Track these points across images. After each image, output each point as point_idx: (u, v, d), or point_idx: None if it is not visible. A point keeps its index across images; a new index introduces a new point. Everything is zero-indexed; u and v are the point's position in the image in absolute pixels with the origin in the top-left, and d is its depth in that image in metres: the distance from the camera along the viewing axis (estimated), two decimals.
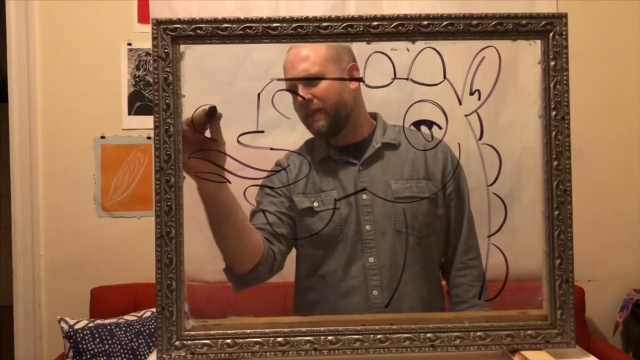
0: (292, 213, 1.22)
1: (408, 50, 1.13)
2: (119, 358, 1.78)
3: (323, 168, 1.22)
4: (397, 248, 1.18)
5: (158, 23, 0.99)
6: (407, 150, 1.22)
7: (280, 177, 1.23)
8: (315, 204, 1.20)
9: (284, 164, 1.24)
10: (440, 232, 1.25)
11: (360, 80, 1.18)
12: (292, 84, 1.18)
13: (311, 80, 1.16)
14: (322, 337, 0.98)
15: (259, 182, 1.15)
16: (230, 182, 1.07)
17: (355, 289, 1.19)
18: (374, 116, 1.27)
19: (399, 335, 0.98)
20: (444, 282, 1.31)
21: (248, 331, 0.99)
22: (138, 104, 2.15)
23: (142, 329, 1.85)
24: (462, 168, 1.22)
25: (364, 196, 1.19)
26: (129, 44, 2.15)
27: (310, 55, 1.16)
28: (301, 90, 1.16)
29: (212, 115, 1.01)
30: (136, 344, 1.82)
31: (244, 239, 1.13)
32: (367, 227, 1.19)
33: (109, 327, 1.82)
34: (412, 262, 1.19)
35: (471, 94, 1.07)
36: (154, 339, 1.84)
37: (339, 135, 1.21)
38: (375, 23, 0.99)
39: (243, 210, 1.15)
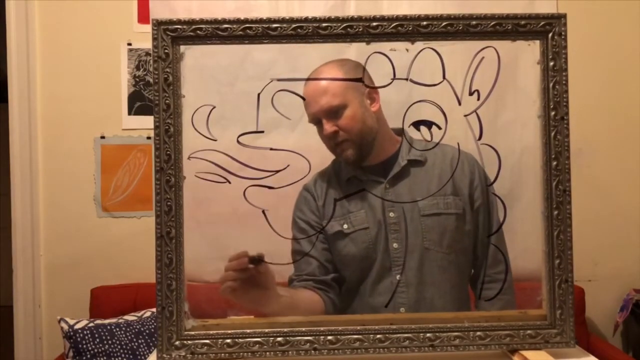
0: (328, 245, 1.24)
1: (407, 50, 1.13)
2: (119, 358, 1.78)
3: (350, 189, 1.23)
4: (425, 266, 1.18)
5: (158, 24, 0.99)
6: (433, 166, 1.22)
7: (310, 205, 1.24)
8: (345, 226, 1.21)
9: (311, 187, 1.25)
10: (469, 247, 1.24)
11: (360, 80, 1.18)
12: (316, 117, 1.19)
13: (334, 112, 1.17)
14: (322, 336, 0.98)
15: (259, 181, 1.16)
16: (230, 182, 1.08)
17: (382, 306, 1.18)
18: (399, 132, 1.27)
19: (398, 335, 0.99)
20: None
21: (248, 331, 0.99)
22: (138, 104, 2.15)
23: (142, 329, 1.85)
24: (490, 179, 1.20)
25: (392, 214, 1.19)
26: (129, 44, 2.15)
27: (329, 87, 1.17)
28: (326, 124, 1.17)
29: (255, 262, 1.03)
30: (136, 344, 1.82)
31: (308, 312, 1.14)
32: (395, 245, 1.19)
33: (109, 327, 1.83)
34: (441, 279, 1.20)
35: (470, 94, 1.07)
36: (154, 339, 1.84)
37: (367, 159, 1.22)
38: (374, 23, 1.00)
39: (301, 294, 1.17)
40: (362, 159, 1.21)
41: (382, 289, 1.19)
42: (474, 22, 1.00)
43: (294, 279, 1.21)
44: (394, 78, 1.18)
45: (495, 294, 1.16)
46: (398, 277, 1.18)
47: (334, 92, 1.17)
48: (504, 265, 1.18)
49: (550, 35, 1.00)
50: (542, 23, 1.00)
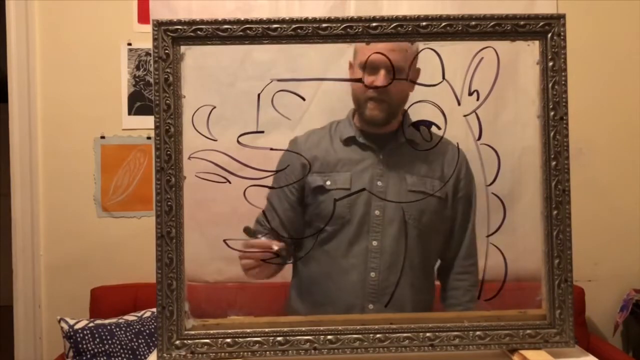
0: (295, 197, 1.25)
1: (407, 51, 1.14)
2: (119, 358, 1.79)
3: (346, 149, 1.25)
4: (401, 237, 1.21)
5: (159, 24, 0.99)
6: (431, 149, 1.24)
7: (293, 163, 1.25)
8: (328, 183, 1.22)
9: (302, 141, 1.26)
10: (443, 232, 1.29)
11: (360, 80, 1.19)
12: (374, 64, 1.16)
13: (393, 72, 1.15)
14: (322, 336, 0.99)
15: (259, 181, 1.16)
16: (230, 182, 1.08)
17: (354, 268, 1.22)
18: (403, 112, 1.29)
19: (398, 334, 0.99)
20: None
21: (248, 331, 0.99)
22: (138, 104, 2.15)
23: (142, 329, 1.86)
24: (474, 179, 1.25)
25: (379, 183, 1.22)
26: (129, 44, 2.15)
27: (406, 49, 1.16)
28: (383, 75, 1.16)
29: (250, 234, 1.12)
30: (136, 344, 1.82)
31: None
32: (377, 213, 1.22)
33: (109, 327, 1.83)
34: (412, 252, 1.23)
35: (470, 94, 1.07)
36: (154, 339, 1.84)
37: (382, 127, 1.24)
38: (374, 24, 1.00)
39: None
40: (382, 123, 1.23)
41: (356, 251, 1.22)
42: (473, 23, 1.00)
43: (255, 231, 1.22)
44: (394, 78, 1.18)
45: (468, 285, 1.26)
46: (374, 243, 1.21)
47: (406, 57, 1.16)
48: (475, 258, 1.26)
49: (549, 35, 1.00)
50: (542, 23, 1.00)
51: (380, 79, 1.17)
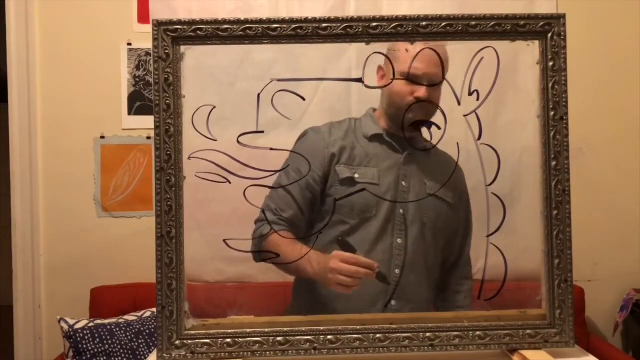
0: (319, 187, 1.26)
1: (407, 50, 1.14)
2: (119, 358, 1.79)
3: (371, 145, 1.27)
4: (420, 238, 1.26)
5: (159, 24, 0.99)
6: (437, 155, 1.26)
7: (317, 146, 1.27)
8: (357, 176, 1.25)
9: (325, 131, 1.27)
10: (449, 237, 1.33)
11: (360, 80, 1.19)
12: (416, 77, 1.19)
13: (435, 84, 1.19)
14: (322, 336, 0.99)
15: (259, 181, 1.16)
16: (230, 182, 1.08)
17: (380, 264, 1.22)
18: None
19: (398, 334, 0.99)
20: None
21: (248, 331, 0.99)
22: (138, 104, 2.15)
23: (142, 329, 1.86)
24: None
25: (404, 183, 1.26)
26: (129, 44, 2.15)
27: (439, 63, 1.18)
28: (425, 89, 1.19)
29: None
30: (136, 344, 1.82)
31: None
32: (401, 212, 1.25)
33: (109, 327, 1.83)
34: (428, 253, 1.27)
35: (470, 94, 1.07)
36: (154, 339, 1.84)
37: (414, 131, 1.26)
38: (374, 24, 1.00)
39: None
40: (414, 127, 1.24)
41: (381, 248, 1.24)
42: (473, 23, 1.00)
43: (269, 219, 1.21)
44: (394, 78, 1.18)
45: (468, 289, 1.32)
46: (399, 240, 1.24)
47: (439, 70, 1.19)
48: (471, 264, 1.33)
49: (549, 35, 1.00)
50: (542, 23, 1.00)
51: (423, 93, 1.19)
